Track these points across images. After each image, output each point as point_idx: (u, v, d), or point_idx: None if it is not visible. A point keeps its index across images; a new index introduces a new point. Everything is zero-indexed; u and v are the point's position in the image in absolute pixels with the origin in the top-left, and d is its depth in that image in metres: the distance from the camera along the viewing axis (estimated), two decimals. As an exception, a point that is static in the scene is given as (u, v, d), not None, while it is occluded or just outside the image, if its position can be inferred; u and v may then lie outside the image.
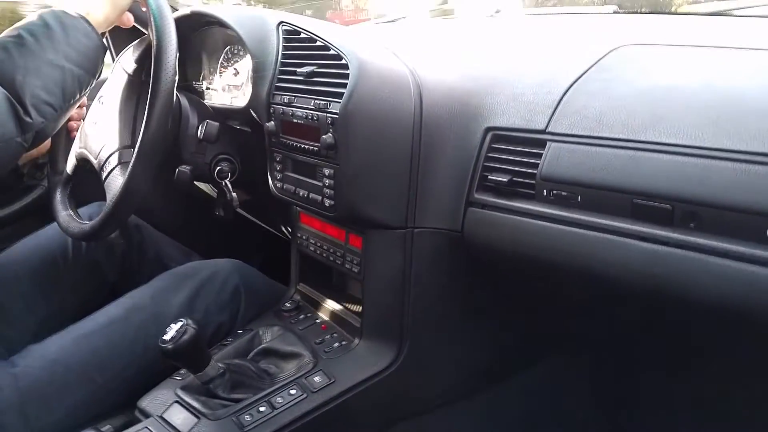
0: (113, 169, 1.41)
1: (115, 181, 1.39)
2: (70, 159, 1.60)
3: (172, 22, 1.31)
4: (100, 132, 1.49)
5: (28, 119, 1.18)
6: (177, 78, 1.32)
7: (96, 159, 1.48)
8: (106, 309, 1.47)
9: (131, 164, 1.31)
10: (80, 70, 1.26)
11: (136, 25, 1.52)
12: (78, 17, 1.27)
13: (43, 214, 1.72)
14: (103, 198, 1.40)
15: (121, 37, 1.33)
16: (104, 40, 1.37)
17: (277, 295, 1.65)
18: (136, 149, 1.30)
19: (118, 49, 1.58)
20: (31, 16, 1.24)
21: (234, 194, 1.53)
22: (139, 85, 1.48)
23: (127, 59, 1.51)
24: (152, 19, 1.31)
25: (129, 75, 1.48)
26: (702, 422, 1.57)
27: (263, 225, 1.88)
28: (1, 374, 1.29)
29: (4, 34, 1.22)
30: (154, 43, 1.29)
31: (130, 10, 1.42)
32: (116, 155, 1.43)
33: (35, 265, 1.58)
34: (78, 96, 1.30)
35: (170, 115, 1.32)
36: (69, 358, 1.35)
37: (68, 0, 1.31)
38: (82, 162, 1.55)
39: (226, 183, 1.53)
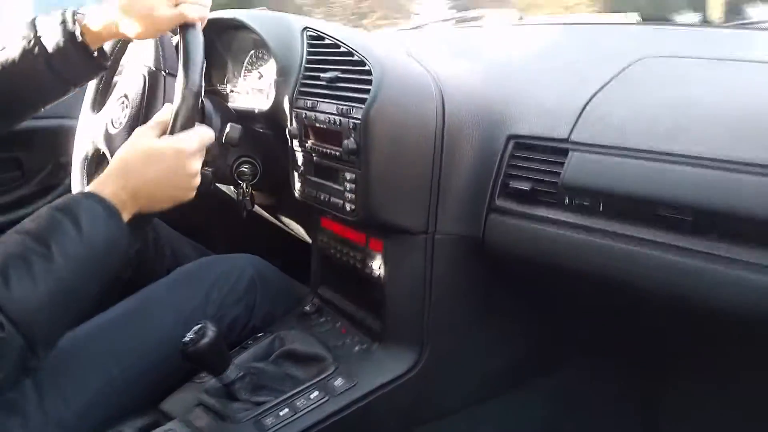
0: None
1: None
2: (86, 147, 1.60)
3: (200, 34, 1.29)
4: (123, 138, 1.45)
5: (34, 362, 1.02)
6: (203, 89, 1.28)
7: None
8: (122, 302, 1.47)
9: None
10: (103, 283, 1.12)
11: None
12: (120, 221, 1.10)
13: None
14: None
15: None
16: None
17: (293, 290, 1.66)
18: None
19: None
20: (70, 203, 1.07)
21: (247, 198, 1.54)
22: (161, 86, 1.48)
23: (147, 58, 1.49)
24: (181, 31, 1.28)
25: (147, 77, 1.47)
26: (728, 427, 1.56)
27: (284, 227, 1.89)
28: None
29: (29, 231, 1.03)
30: (182, 52, 1.26)
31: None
32: None
33: None
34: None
35: (195, 122, 1.32)
36: (85, 350, 1.35)
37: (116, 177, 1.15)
38: (100, 159, 1.55)
39: (242, 186, 1.55)
